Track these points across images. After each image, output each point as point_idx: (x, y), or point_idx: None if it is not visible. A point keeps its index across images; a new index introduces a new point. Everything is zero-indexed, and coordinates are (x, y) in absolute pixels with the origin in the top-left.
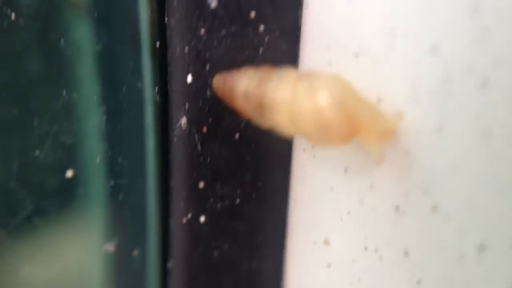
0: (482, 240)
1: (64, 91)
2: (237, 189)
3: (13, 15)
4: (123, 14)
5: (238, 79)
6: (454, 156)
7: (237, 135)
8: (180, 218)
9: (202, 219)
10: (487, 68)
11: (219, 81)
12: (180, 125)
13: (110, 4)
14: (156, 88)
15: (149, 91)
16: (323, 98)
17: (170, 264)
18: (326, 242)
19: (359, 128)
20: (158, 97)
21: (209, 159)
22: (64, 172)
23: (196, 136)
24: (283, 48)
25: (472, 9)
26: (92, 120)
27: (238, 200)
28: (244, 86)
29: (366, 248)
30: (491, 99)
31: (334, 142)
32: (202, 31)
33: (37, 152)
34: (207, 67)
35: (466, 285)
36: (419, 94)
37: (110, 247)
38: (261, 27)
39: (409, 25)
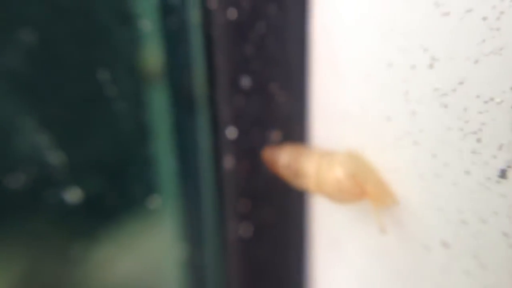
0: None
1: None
2: (271, 211)
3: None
4: (186, 88)
5: (279, 154)
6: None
7: (270, 174)
8: (232, 232)
9: (248, 233)
10: None
11: (267, 155)
12: (227, 164)
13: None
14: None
15: (204, 140)
16: (339, 172)
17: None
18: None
19: (367, 192)
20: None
21: (251, 189)
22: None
23: (241, 173)
24: (296, 109)
25: None
26: (168, 163)
27: (272, 219)
28: (284, 160)
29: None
30: None
31: (348, 202)
32: (238, 100)
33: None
34: (243, 122)
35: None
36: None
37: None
38: (282, 95)
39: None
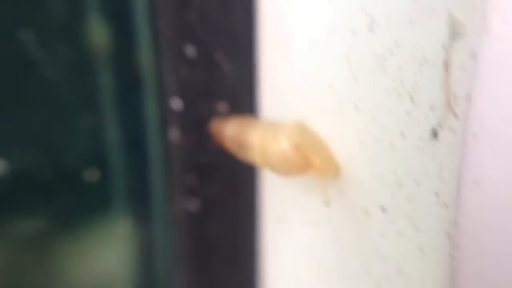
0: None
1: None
2: (220, 185)
3: None
4: (130, 58)
5: (226, 126)
6: None
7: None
8: (180, 207)
9: (196, 207)
10: None
11: (214, 127)
12: (173, 136)
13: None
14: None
15: (149, 112)
16: (284, 143)
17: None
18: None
19: (312, 164)
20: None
21: (198, 163)
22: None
23: (187, 145)
24: (243, 79)
25: None
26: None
27: (220, 193)
28: (230, 132)
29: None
30: None
31: (293, 174)
32: (183, 70)
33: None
34: (189, 92)
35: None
36: None
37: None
38: (229, 65)
39: None
